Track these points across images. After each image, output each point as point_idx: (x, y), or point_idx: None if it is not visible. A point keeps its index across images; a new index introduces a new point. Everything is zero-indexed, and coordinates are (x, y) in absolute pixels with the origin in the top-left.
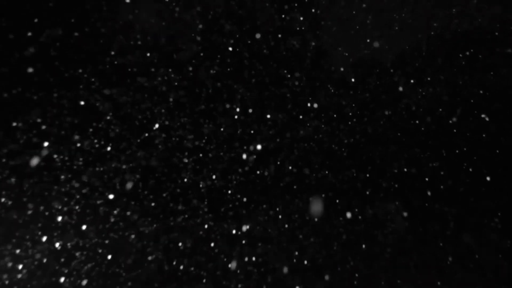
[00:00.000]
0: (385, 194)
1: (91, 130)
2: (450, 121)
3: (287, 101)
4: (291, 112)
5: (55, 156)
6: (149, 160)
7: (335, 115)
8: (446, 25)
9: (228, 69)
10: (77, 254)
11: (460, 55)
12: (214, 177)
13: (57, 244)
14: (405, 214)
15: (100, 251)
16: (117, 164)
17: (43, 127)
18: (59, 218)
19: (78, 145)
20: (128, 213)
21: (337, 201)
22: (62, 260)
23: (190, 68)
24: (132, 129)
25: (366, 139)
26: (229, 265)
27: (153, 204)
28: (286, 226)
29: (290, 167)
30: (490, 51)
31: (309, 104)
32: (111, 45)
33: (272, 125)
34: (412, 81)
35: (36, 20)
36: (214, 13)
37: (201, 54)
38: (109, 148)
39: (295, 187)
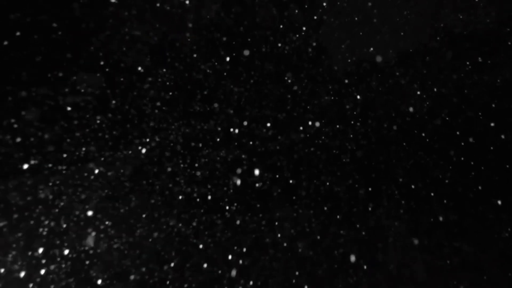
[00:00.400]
0: (389, 203)
1: (77, 134)
2: (459, 124)
3: (287, 102)
4: (291, 113)
5: (35, 161)
6: (137, 164)
7: (337, 117)
8: (454, 25)
9: (224, 68)
10: (57, 265)
11: (469, 56)
12: (207, 182)
13: (36, 254)
14: (410, 224)
15: (81, 261)
16: (103, 168)
17: (23, 128)
18: (40, 228)
19: (63, 148)
20: (109, 223)
21: (339, 213)
22: (42, 271)
23: (182, 68)
24: (120, 131)
25: (370, 142)
26: (222, 279)
27: (139, 210)
28: (284, 238)
29: (288, 173)
30: (499, 52)
31: (309, 105)
32: (97, 41)
33: (271, 127)
34: (418, 81)
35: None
36: (210, 8)
37: (194, 55)
38: (94, 150)
39: (294, 197)
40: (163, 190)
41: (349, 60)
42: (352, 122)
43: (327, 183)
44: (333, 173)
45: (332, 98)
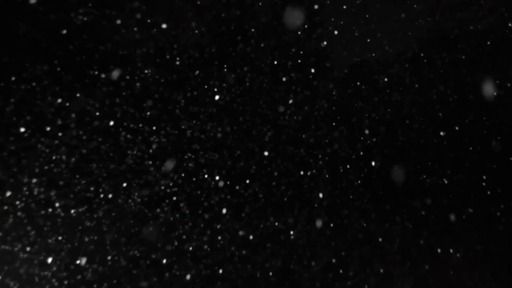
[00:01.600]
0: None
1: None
2: (464, 125)
3: (287, 103)
4: (291, 115)
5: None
6: (123, 169)
7: (339, 118)
8: (458, 25)
9: (222, 67)
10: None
11: (476, 56)
12: (197, 190)
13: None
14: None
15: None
16: (87, 176)
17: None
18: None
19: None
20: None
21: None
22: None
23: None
24: (106, 134)
25: (375, 146)
26: None
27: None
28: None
29: (288, 178)
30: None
31: (312, 107)
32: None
33: (270, 128)
34: (423, 82)
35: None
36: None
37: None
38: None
39: (294, 204)
40: (148, 198)
41: (351, 53)
42: (357, 118)
43: (330, 200)
44: (339, 190)
45: (336, 98)
